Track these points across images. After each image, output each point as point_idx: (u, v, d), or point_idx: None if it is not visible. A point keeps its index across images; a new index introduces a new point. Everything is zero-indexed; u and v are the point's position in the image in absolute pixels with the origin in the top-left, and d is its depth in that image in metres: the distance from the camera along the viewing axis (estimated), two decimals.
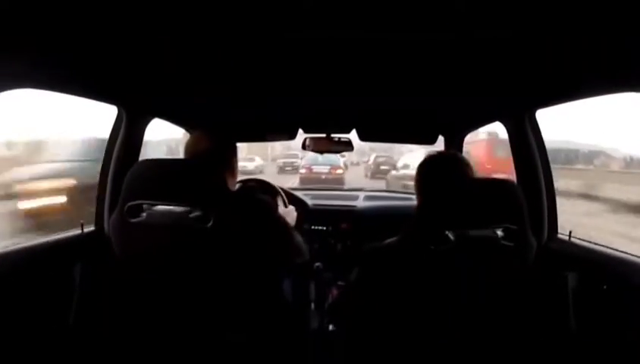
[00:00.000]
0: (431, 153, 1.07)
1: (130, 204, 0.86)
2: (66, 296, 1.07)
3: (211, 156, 1.00)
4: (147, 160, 0.94)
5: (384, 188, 6.34)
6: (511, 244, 0.82)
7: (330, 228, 1.97)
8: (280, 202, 1.77)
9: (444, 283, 0.84)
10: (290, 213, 1.41)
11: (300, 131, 1.87)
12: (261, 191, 1.71)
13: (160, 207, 0.85)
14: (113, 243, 0.93)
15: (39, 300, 0.98)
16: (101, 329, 1.06)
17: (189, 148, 1.04)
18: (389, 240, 0.92)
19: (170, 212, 0.84)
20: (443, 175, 0.99)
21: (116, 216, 0.90)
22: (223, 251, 0.87)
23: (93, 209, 1.27)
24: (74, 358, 1.05)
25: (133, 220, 0.86)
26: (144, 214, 0.86)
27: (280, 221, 1.05)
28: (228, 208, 0.86)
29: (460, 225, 0.81)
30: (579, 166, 10.19)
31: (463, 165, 1.01)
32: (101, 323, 1.06)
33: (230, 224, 0.85)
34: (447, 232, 0.80)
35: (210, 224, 0.82)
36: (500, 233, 0.82)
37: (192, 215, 0.83)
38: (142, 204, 0.86)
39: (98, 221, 1.26)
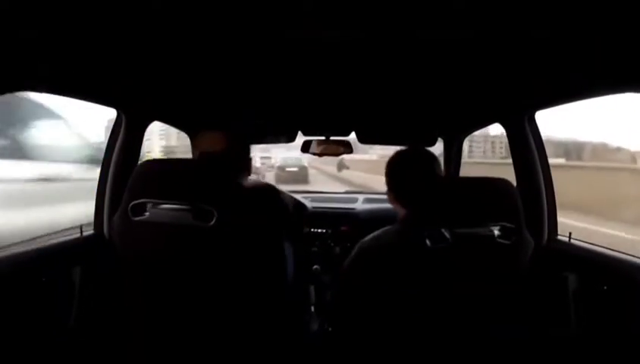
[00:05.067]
0: (401, 149, 1.08)
1: (133, 202, 0.86)
2: (66, 300, 1.06)
3: (227, 154, 1.02)
4: (152, 159, 0.95)
5: None
6: (507, 242, 0.82)
7: (329, 231, 1.97)
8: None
9: (440, 281, 0.84)
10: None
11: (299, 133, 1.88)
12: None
13: (163, 205, 0.85)
14: (115, 242, 0.93)
15: (39, 304, 0.98)
16: (101, 332, 1.05)
17: (204, 146, 1.05)
18: (381, 232, 0.91)
19: (173, 211, 0.85)
20: (419, 172, 1.00)
21: (119, 215, 0.90)
22: (226, 249, 0.87)
23: None
24: (75, 362, 1.04)
25: (136, 218, 0.86)
26: (147, 212, 0.86)
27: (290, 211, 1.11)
28: (235, 204, 0.87)
29: (456, 223, 0.81)
30: None
31: (435, 161, 1.03)
32: (101, 327, 1.06)
33: (235, 221, 0.86)
34: (442, 230, 0.80)
35: (212, 222, 0.82)
36: (496, 231, 0.82)
37: (195, 214, 0.83)
38: (146, 203, 0.86)
39: (98, 224, 1.26)
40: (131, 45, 0.83)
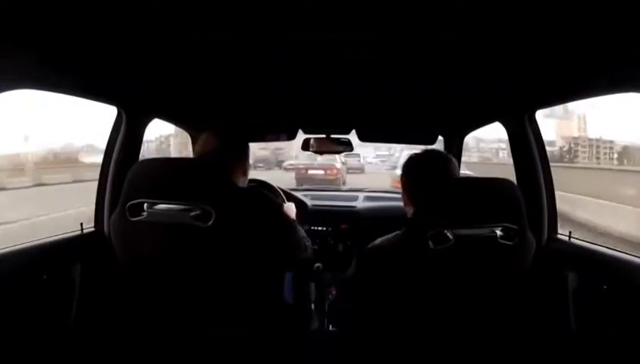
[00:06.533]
0: (417, 152, 1.07)
1: (130, 203, 0.86)
2: (66, 297, 1.07)
3: (220, 155, 1.01)
4: (148, 159, 0.94)
5: None
6: (510, 243, 0.82)
7: (329, 229, 1.97)
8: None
9: (443, 282, 0.84)
10: (290, 208, 1.43)
11: (300, 131, 1.88)
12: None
13: (161, 205, 0.85)
14: (113, 243, 0.93)
15: (39, 301, 0.98)
16: (101, 329, 1.06)
17: (199, 147, 1.05)
18: (387, 237, 0.92)
19: (170, 211, 0.84)
20: (433, 173, 0.99)
21: (117, 215, 0.90)
22: (224, 249, 0.87)
23: None
24: (75, 358, 1.05)
25: (134, 219, 0.86)
26: (145, 213, 0.86)
27: (284, 215, 1.07)
28: (231, 204, 0.86)
29: (459, 224, 0.80)
30: None
31: (450, 163, 1.02)
32: (101, 323, 1.06)
33: (233, 221, 0.85)
34: (445, 231, 0.80)
35: (211, 222, 0.82)
36: (498, 232, 0.82)
37: (192, 214, 0.83)
38: (143, 203, 0.86)
39: (98, 221, 1.26)
40: (132, 43, 0.83)
